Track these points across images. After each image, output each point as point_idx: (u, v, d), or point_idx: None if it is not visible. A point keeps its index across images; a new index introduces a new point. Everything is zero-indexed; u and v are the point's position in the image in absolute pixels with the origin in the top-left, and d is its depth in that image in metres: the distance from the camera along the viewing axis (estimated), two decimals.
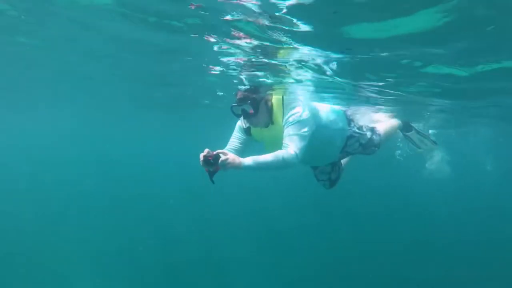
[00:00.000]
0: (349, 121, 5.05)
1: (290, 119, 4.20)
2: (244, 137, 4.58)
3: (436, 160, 8.75)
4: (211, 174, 3.81)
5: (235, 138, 4.60)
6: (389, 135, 5.87)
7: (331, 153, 4.99)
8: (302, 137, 4.13)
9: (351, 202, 17.74)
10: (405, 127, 6.44)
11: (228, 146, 4.58)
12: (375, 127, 5.44)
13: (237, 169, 3.76)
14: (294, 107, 4.27)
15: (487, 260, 11.62)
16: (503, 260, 11.31)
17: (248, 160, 3.82)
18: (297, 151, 4.02)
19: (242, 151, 4.58)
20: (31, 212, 14.68)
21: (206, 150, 3.75)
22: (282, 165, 3.94)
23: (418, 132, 6.45)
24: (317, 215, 16.13)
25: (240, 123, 4.56)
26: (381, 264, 11.00)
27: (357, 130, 5.07)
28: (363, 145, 5.15)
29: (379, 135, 5.40)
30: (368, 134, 5.21)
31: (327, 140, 4.71)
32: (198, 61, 5.88)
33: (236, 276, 10.20)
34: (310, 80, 5.97)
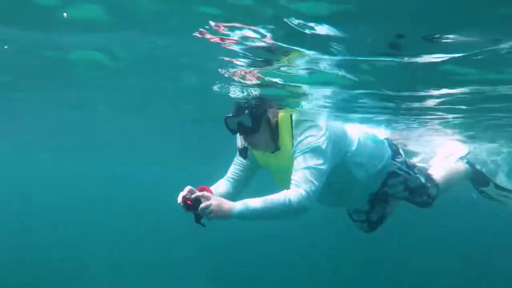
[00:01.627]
0: (395, 153, 3.76)
1: (302, 145, 3.04)
2: (249, 162, 3.48)
3: None
4: (198, 217, 2.83)
5: (237, 165, 3.52)
6: (451, 185, 4.34)
7: (359, 195, 3.74)
8: (318, 172, 2.97)
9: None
10: (479, 180, 4.57)
11: (227, 176, 3.52)
12: (430, 173, 4.06)
13: (225, 219, 2.77)
14: (308, 128, 3.09)
15: None
16: None
17: (240, 206, 2.78)
18: (310, 192, 2.89)
19: (246, 182, 3.53)
20: None
21: (187, 189, 2.82)
22: (288, 211, 2.86)
23: (498, 187, 4.56)
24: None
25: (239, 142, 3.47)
26: None
27: (405, 168, 3.75)
28: (410, 190, 3.82)
29: (436, 185, 4.00)
30: (422, 178, 3.85)
31: (356, 179, 3.47)
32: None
33: None
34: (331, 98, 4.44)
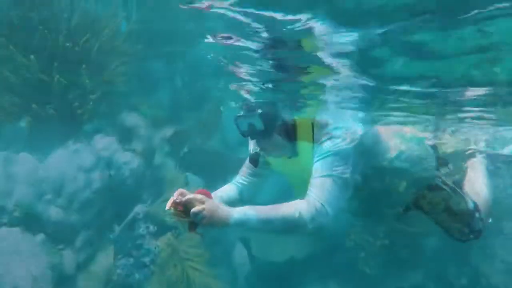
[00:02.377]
0: (441, 162, 3.13)
1: (324, 148, 2.51)
2: (261, 167, 2.98)
3: None
4: (193, 225, 2.34)
5: (248, 168, 3.03)
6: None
7: (388, 208, 3.25)
8: (341, 181, 2.46)
9: None
10: None
11: (235, 179, 3.05)
12: (476, 201, 3.12)
13: (222, 227, 2.25)
14: (333, 129, 2.57)
15: None
16: None
17: (240, 214, 2.26)
18: (328, 206, 2.36)
19: (257, 187, 3.05)
20: None
21: (178, 192, 2.30)
22: (298, 227, 2.33)
23: None
24: None
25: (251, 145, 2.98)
26: None
27: (450, 183, 2.99)
28: (450, 212, 3.01)
29: (482, 219, 3.06)
30: (470, 203, 3.00)
31: (387, 188, 2.96)
32: None
33: None
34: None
